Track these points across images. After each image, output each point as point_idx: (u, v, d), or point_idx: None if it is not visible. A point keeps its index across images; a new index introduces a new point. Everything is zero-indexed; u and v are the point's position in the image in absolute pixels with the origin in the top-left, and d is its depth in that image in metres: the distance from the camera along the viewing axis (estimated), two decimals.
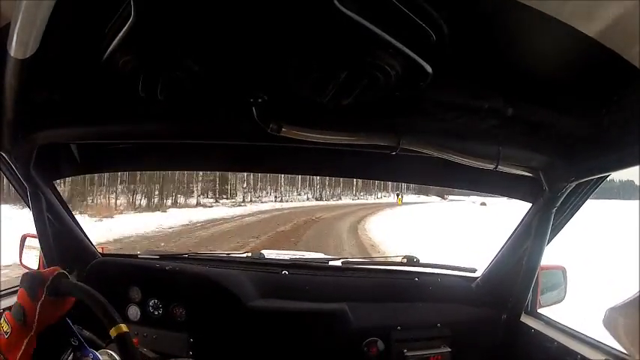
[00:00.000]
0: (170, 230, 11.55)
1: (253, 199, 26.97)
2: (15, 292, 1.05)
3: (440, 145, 0.90)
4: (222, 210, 19.81)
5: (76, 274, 1.37)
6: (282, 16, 0.62)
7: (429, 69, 0.70)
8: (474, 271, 1.43)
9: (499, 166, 0.92)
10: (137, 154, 1.38)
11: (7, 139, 0.97)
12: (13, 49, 0.64)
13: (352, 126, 0.89)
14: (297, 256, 1.76)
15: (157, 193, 21.19)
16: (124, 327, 0.72)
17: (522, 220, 1.24)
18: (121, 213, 15.98)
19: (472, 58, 0.73)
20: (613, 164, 0.82)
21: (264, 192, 29.42)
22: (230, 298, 1.29)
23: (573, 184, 0.97)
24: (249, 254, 1.59)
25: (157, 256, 1.52)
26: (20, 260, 1.47)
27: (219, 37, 0.70)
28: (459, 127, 0.89)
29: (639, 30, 0.54)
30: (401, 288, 1.39)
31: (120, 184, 20.77)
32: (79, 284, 0.81)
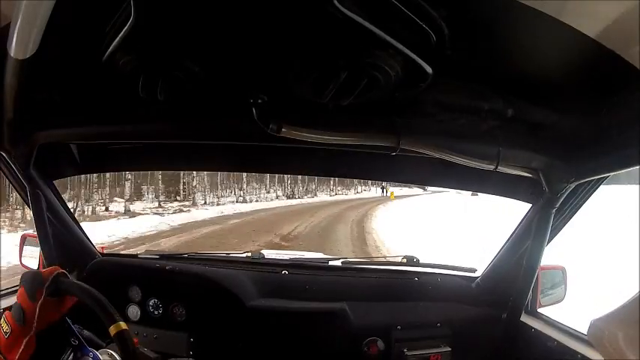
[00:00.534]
0: None
1: (209, 200, 20.56)
2: (15, 292, 1.05)
3: (440, 146, 0.90)
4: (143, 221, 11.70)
5: (75, 274, 1.37)
6: (282, 16, 0.62)
7: (429, 69, 0.70)
8: (474, 271, 1.43)
9: (499, 167, 0.92)
10: (137, 154, 1.38)
11: (7, 139, 0.97)
12: (13, 49, 0.64)
13: (352, 126, 0.89)
14: (297, 256, 1.76)
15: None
16: (123, 325, 0.73)
17: (522, 220, 1.24)
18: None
19: (472, 59, 0.73)
20: (613, 165, 0.82)
21: (229, 190, 23.96)
22: (230, 297, 1.29)
23: (573, 185, 0.97)
24: (249, 254, 1.59)
25: (157, 256, 1.52)
26: (20, 260, 1.47)
27: (220, 38, 0.70)
28: (459, 127, 0.89)
29: (639, 30, 0.54)
30: (401, 288, 1.39)
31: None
32: (78, 283, 0.81)
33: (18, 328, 0.74)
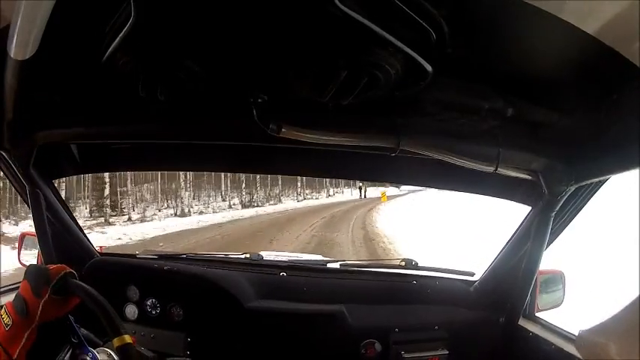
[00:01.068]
0: None
1: (136, 216, 14.74)
2: (15, 290, 1.05)
3: (440, 147, 0.90)
4: None
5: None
6: (282, 15, 0.62)
7: (429, 68, 0.70)
8: (472, 274, 1.42)
9: (499, 169, 0.92)
10: (137, 154, 1.38)
11: (7, 138, 0.98)
12: (13, 50, 0.64)
13: (352, 127, 0.89)
14: (296, 258, 1.76)
15: None
16: (127, 338, 0.72)
17: (521, 223, 1.23)
18: None
19: (472, 57, 0.73)
20: (613, 167, 0.82)
21: (167, 203, 17.91)
22: (228, 298, 1.29)
23: (573, 188, 0.97)
24: (248, 255, 1.58)
25: (155, 256, 1.52)
26: (19, 258, 1.48)
27: (220, 38, 0.70)
28: (459, 127, 0.88)
29: (639, 27, 0.54)
30: (399, 290, 1.39)
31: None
32: (86, 287, 0.80)
33: (19, 321, 0.74)
